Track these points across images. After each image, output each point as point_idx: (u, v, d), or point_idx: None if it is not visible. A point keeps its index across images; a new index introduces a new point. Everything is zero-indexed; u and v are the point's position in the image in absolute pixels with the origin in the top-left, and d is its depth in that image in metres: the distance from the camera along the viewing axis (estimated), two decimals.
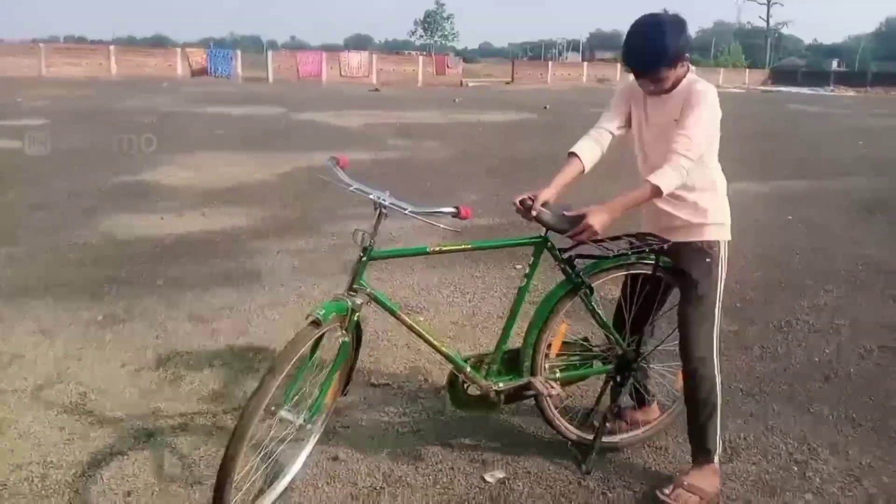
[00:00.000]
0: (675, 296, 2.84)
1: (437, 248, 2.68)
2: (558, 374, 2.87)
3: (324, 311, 2.35)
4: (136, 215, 7.02)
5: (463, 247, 2.73)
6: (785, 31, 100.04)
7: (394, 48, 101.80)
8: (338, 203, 7.48)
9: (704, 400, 2.72)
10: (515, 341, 2.85)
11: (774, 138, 16.07)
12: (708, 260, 2.67)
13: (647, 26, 2.49)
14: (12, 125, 13.46)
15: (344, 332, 2.50)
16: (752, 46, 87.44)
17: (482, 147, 12.90)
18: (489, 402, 2.78)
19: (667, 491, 2.68)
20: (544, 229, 2.64)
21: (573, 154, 2.69)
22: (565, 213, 2.54)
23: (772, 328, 4.48)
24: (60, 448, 2.93)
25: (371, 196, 2.44)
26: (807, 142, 15.50)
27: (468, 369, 2.72)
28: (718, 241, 2.69)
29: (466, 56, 61.98)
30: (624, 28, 2.61)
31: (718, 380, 2.73)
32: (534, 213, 2.55)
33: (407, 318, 2.60)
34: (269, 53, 40.61)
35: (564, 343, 2.87)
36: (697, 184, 2.61)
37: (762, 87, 52.13)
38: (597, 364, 3.00)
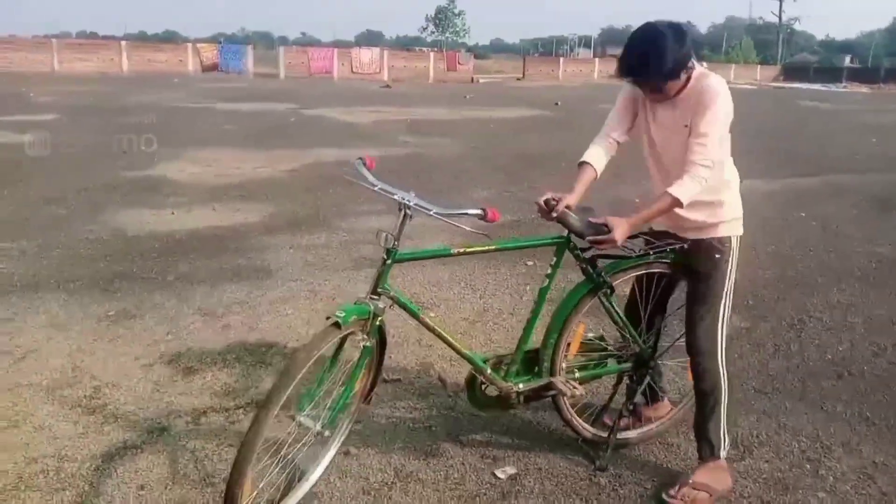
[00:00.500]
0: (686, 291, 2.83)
1: (461, 250, 2.64)
2: (577, 374, 2.85)
3: (344, 314, 2.29)
4: (147, 210, 7.05)
5: (486, 248, 2.67)
6: (797, 26, 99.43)
7: (405, 44, 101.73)
8: (348, 199, 7.49)
9: (708, 393, 2.72)
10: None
11: (786, 135, 15.97)
12: (718, 256, 2.67)
13: (645, 40, 2.43)
14: (25, 120, 13.55)
15: (365, 336, 2.43)
16: (764, 42, 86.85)
17: (493, 144, 12.88)
18: (508, 403, 2.76)
19: (672, 492, 2.68)
20: (566, 230, 2.63)
21: (585, 163, 2.71)
22: (590, 220, 2.54)
23: (785, 325, 4.46)
24: (75, 441, 2.95)
25: (396, 196, 2.39)
26: (819, 138, 15.40)
27: (488, 371, 2.69)
28: (730, 237, 2.68)
29: (477, 52, 61.75)
30: (636, 24, 2.57)
31: (724, 375, 2.72)
32: (554, 214, 2.56)
33: (429, 321, 2.56)
34: (281, 49, 40.68)
35: (581, 342, 2.86)
36: (712, 185, 2.57)
37: (774, 84, 51.80)
38: (612, 362, 2.99)
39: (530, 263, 5.46)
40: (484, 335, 4.20)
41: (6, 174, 8.47)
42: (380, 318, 2.44)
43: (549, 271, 2.72)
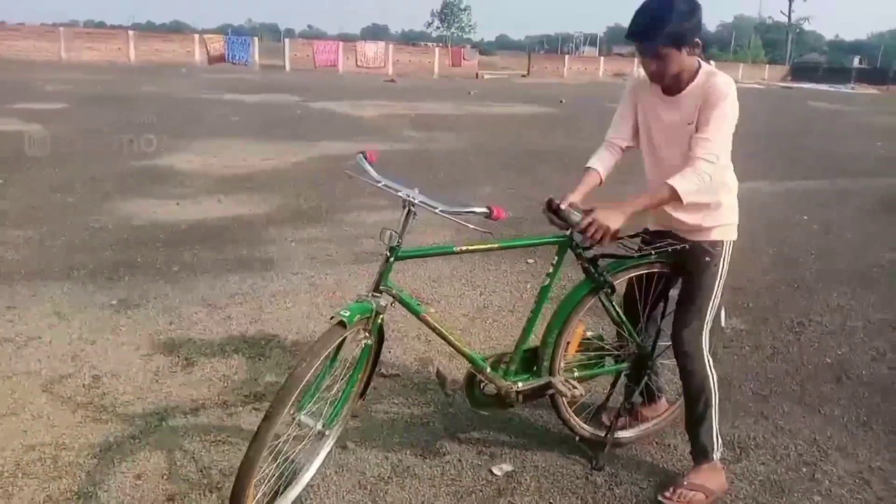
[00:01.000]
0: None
1: (465, 249, 2.60)
2: (575, 373, 2.85)
3: (349, 313, 2.27)
4: (153, 200, 7.07)
5: (490, 246, 2.66)
6: (806, 26, 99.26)
7: (410, 39, 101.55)
8: (352, 193, 7.50)
9: (696, 396, 2.72)
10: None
11: (792, 136, 15.92)
12: (708, 258, 2.65)
13: (653, 3, 2.39)
14: (34, 108, 13.58)
15: (367, 334, 2.43)
16: (773, 42, 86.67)
17: (497, 140, 12.87)
18: (507, 402, 2.76)
19: (667, 493, 2.69)
20: (569, 229, 2.62)
21: (589, 168, 2.70)
22: (579, 209, 2.54)
23: (784, 328, 4.46)
24: (73, 430, 2.96)
25: (400, 194, 2.36)
26: (825, 140, 15.35)
27: (488, 369, 2.69)
28: (721, 241, 2.67)
29: (483, 48, 61.76)
30: None
31: (712, 378, 2.71)
32: (553, 209, 2.55)
33: (431, 320, 2.55)
34: (287, 42, 40.61)
35: (580, 341, 2.86)
36: (710, 186, 2.54)
37: (782, 84, 51.64)
38: (610, 361, 2.99)
39: (531, 261, 5.46)
40: (483, 332, 4.20)
41: (14, 162, 8.50)
42: (381, 316, 2.43)
43: (550, 270, 2.71)
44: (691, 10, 2.38)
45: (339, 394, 2.52)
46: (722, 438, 2.79)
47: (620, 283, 2.82)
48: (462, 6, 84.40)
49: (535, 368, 2.78)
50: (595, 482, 2.79)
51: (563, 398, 2.77)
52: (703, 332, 2.69)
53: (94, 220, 6.23)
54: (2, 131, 10.80)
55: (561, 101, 22.40)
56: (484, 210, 2.33)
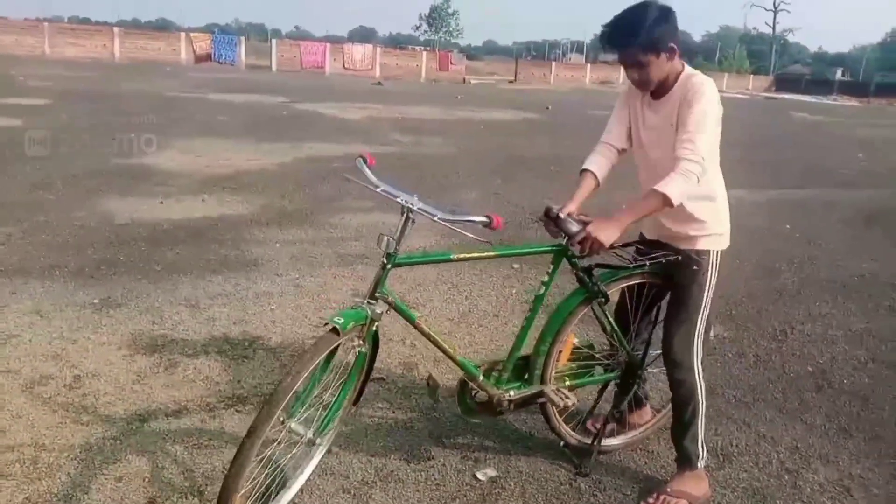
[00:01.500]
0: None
1: (462, 256, 2.59)
2: (567, 382, 2.84)
3: (342, 320, 2.22)
4: (136, 198, 7.01)
5: (486, 255, 2.65)
6: (791, 38, 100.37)
7: (398, 42, 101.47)
8: (337, 195, 7.48)
9: (684, 404, 2.73)
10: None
11: (775, 147, 16.08)
12: (696, 268, 2.65)
13: (628, 10, 2.43)
14: (16, 104, 13.42)
15: (361, 342, 2.40)
16: (758, 52, 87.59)
17: (483, 145, 12.89)
18: (498, 410, 2.73)
19: (651, 500, 2.70)
20: (565, 238, 2.60)
21: (586, 170, 2.70)
22: (574, 219, 2.54)
23: (767, 336, 4.49)
24: (53, 431, 2.92)
25: (399, 200, 2.33)
26: (808, 151, 15.52)
27: (481, 377, 2.67)
28: (709, 251, 2.66)
29: (470, 53, 61.83)
30: None
31: (701, 387, 2.71)
32: (551, 218, 2.56)
33: (425, 327, 2.53)
34: (274, 42, 40.45)
35: (571, 350, 2.86)
36: (697, 194, 2.53)
37: (765, 94, 52.21)
38: (600, 370, 2.99)
39: (516, 266, 5.47)
40: (468, 336, 4.20)
41: None
42: (376, 324, 2.40)
43: (545, 278, 2.70)
44: (664, 15, 2.40)
45: (333, 403, 2.49)
46: (706, 446, 2.80)
47: (613, 292, 2.82)
48: (450, 10, 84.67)
49: (527, 377, 2.77)
50: (579, 488, 2.79)
51: (553, 407, 2.77)
52: (694, 342, 2.69)
53: (76, 217, 6.17)
54: None
55: (547, 108, 22.47)
56: (483, 219, 2.30)
